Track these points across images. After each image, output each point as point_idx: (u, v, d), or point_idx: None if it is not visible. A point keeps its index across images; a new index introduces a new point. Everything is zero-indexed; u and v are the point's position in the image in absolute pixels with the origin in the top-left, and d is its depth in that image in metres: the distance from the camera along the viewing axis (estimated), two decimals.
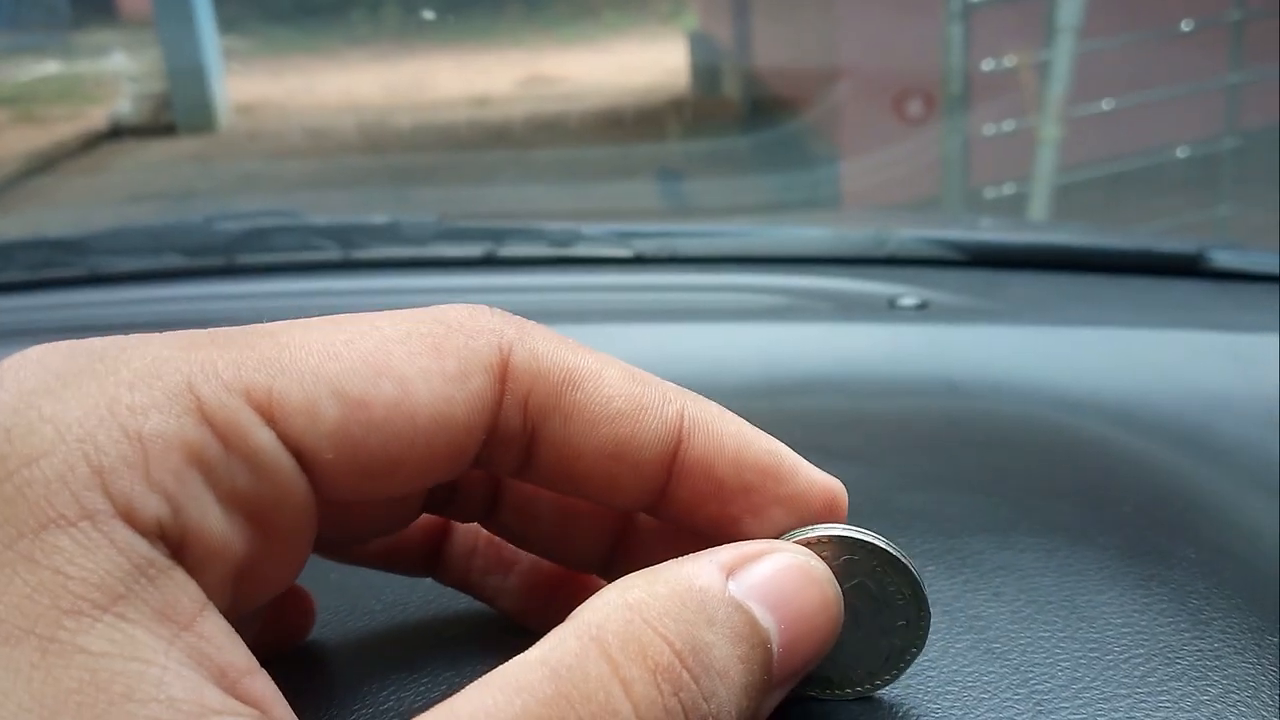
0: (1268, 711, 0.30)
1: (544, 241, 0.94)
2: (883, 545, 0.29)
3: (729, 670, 0.25)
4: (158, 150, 3.75)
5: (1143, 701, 0.30)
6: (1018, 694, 0.30)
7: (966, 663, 0.31)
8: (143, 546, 0.22)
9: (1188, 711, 0.29)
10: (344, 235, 0.94)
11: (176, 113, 3.82)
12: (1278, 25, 2.42)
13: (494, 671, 0.23)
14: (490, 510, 0.33)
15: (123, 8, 5.53)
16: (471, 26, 4.62)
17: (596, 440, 0.28)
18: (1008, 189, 2.62)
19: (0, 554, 0.22)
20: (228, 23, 4.21)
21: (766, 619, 0.26)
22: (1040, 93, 2.46)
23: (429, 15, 4.22)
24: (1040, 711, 0.29)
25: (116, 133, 3.87)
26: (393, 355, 0.26)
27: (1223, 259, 0.86)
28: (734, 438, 0.29)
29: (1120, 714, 0.29)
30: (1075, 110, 2.51)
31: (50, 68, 4.78)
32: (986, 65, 2.60)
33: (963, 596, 0.35)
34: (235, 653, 0.23)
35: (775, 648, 0.26)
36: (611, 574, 0.32)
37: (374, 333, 0.27)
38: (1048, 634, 0.33)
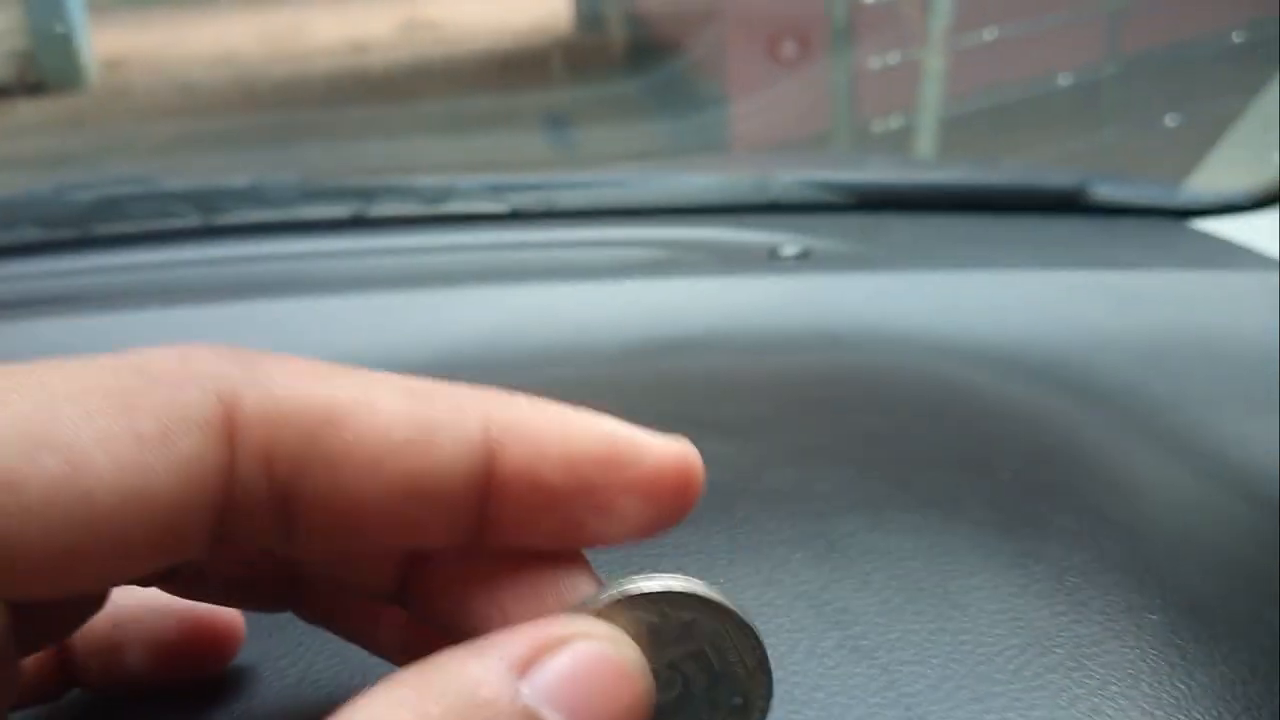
0: (1146, 703, 0.28)
1: (416, 198, 0.91)
2: (730, 606, 0.24)
3: None
4: (27, 111, 3.61)
5: (1017, 699, 0.28)
6: (886, 697, 0.28)
7: (832, 664, 0.29)
8: None
9: (1064, 708, 0.28)
10: (203, 200, 0.89)
11: (43, 71, 3.68)
12: None
13: None
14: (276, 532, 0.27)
15: None
16: None
17: (381, 482, 0.23)
18: (895, 122, 2.62)
19: None
20: None
21: None
22: (924, 24, 2.46)
23: None
24: (909, 716, 0.27)
25: None
26: (60, 419, 0.21)
27: (1103, 192, 0.86)
28: (557, 433, 0.24)
29: (993, 715, 0.27)
30: (959, 40, 2.51)
31: None
32: None
33: (830, 587, 0.33)
34: None
35: None
36: (407, 602, 0.27)
37: (37, 391, 0.21)
38: (918, 627, 0.31)
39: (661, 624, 0.24)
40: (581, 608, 0.24)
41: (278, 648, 0.31)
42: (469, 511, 0.24)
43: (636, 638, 0.24)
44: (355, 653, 0.29)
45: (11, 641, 0.22)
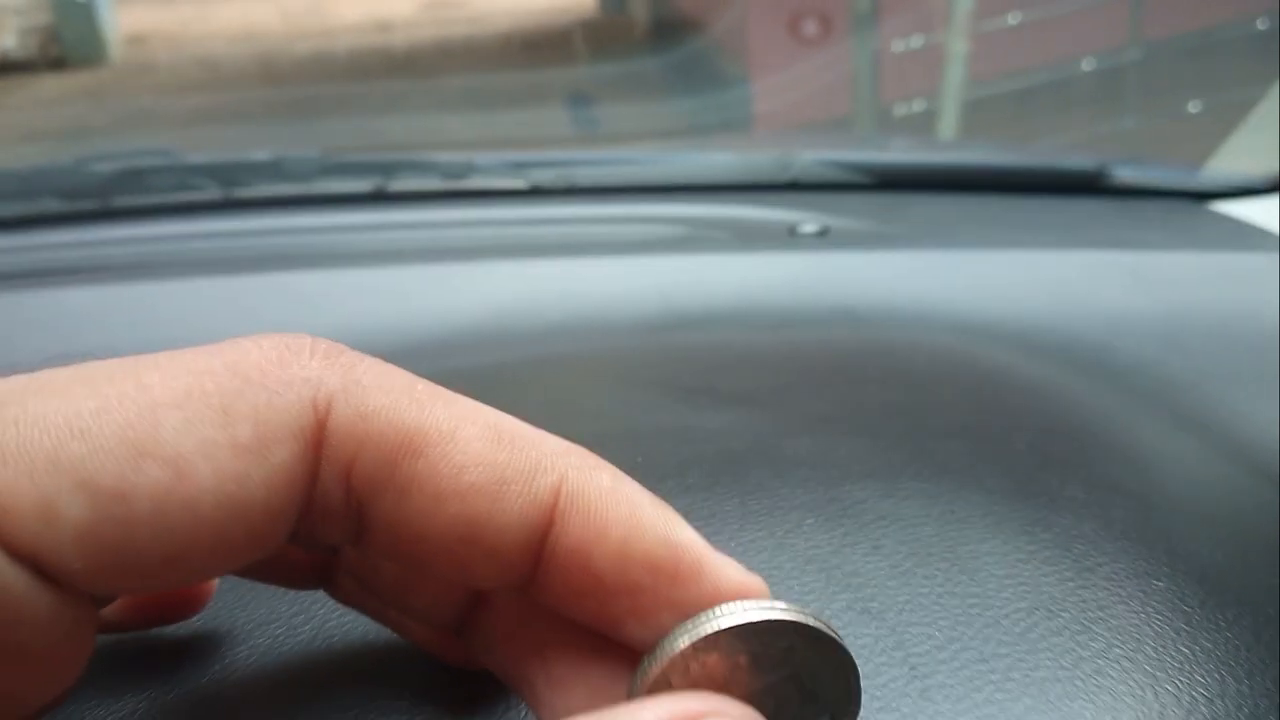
0: (1150, 665, 0.28)
1: (436, 174, 0.91)
2: (829, 633, 0.23)
3: None
4: (48, 85, 3.62)
5: (1022, 660, 0.28)
6: (893, 657, 0.29)
7: (842, 625, 0.30)
8: None
9: (1067, 669, 0.28)
10: (224, 174, 0.90)
11: (65, 45, 3.69)
12: None
13: None
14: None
15: None
16: None
17: (443, 520, 0.23)
18: (918, 105, 2.61)
19: None
20: None
21: None
22: (947, 7, 2.45)
23: None
24: (915, 675, 0.28)
25: (2, 68, 3.73)
26: (163, 426, 0.21)
27: (1124, 175, 0.86)
28: (622, 523, 0.23)
29: (998, 675, 0.28)
30: (983, 25, 2.50)
31: None
32: None
33: (841, 551, 0.33)
34: None
35: None
36: (465, 634, 0.27)
37: (139, 395, 0.21)
38: (927, 589, 0.31)
39: (761, 652, 0.23)
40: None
41: (290, 605, 0.32)
42: (521, 566, 0.23)
43: (736, 669, 0.23)
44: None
45: (93, 635, 0.23)
